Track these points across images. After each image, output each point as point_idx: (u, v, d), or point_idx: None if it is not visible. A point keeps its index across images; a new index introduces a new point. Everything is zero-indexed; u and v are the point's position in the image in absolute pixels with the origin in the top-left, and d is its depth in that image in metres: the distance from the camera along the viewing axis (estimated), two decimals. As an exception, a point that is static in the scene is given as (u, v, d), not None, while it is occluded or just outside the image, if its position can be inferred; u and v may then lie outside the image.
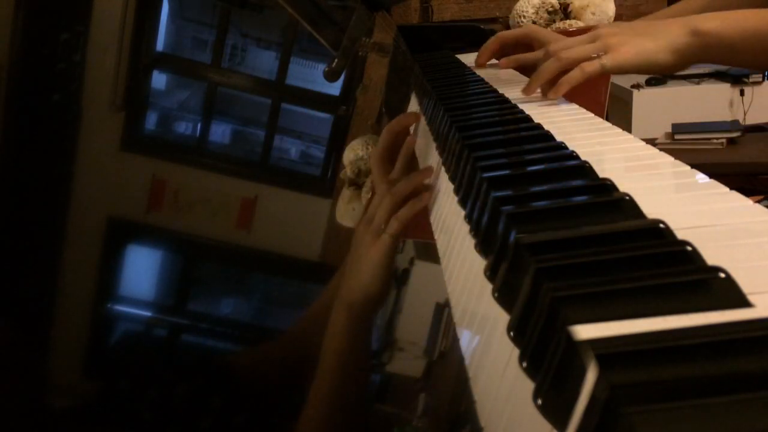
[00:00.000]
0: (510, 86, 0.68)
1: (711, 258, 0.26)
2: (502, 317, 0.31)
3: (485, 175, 0.41)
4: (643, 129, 2.55)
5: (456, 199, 0.48)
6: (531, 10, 1.27)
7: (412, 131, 0.69)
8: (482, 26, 1.15)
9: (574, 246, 0.29)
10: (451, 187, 0.51)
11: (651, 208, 0.31)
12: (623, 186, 0.34)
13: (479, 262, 0.37)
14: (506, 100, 0.63)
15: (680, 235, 0.28)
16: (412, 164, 0.64)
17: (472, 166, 0.45)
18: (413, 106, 0.92)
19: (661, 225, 0.28)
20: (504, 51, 0.85)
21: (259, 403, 0.67)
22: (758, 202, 0.32)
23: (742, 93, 2.57)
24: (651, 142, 0.44)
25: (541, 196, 0.36)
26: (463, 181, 0.47)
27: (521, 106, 0.60)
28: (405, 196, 0.56)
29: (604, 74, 0.57)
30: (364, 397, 0.60)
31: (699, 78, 2.63)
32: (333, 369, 0.56)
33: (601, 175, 0.37)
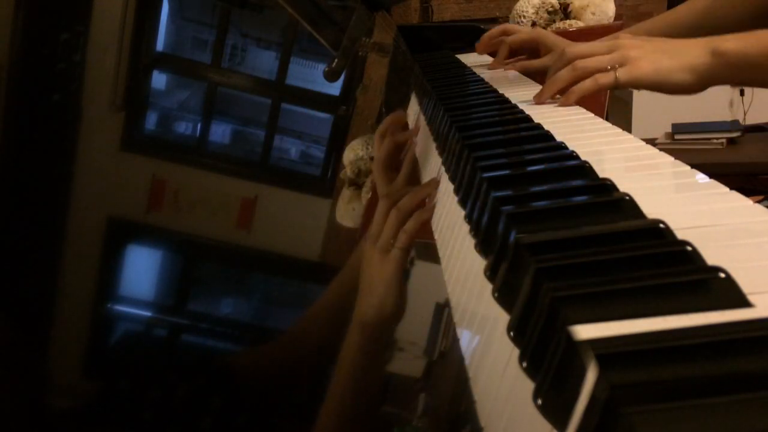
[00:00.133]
0: (510, 86, 0.68)
1: (711, 258, 0.25)
2: (502, 317, 0.31)
3: (485, 175, 0.41)
4: (643, 129, 2.55)
5: (456, 199, 0.48)
6: (531, 10, 1.27)
7: (411, 131, 0.69)
8: (482, 26, 1.15)
9: (574, 246, 0.29)
10: (451, 187, 0.51)
11: (651, 208, 0.31)
12: (623, 186, 0.34)
13: (479, 262, 0.37)
14: (506, 100, 0.63)
15: (680, 235, 0.28)
16: (414, 169, 0.63)
17: (472, 166, 0.45)
18: (413, 106, 0.92)
19: (661, 225, 0.28)
20: (510, 55, 0.85)
21: (260, 404, 0.67)
22: (758, 202, 0.32)
23: (742, 93, 2.57)
24: (651, 142, 0.44)
25: (541, 196, 0.36)
26: (463, 181, 0.47)
27: (521, 107, 0.60)
28: (411, 211, 0.56)
29: (618, 87, 0.56)
30: (376, 405, 0.59)
31: None
32: (347, 386, 0.56)
33: (601, 175, 0.37)
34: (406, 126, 0.68)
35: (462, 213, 0.45)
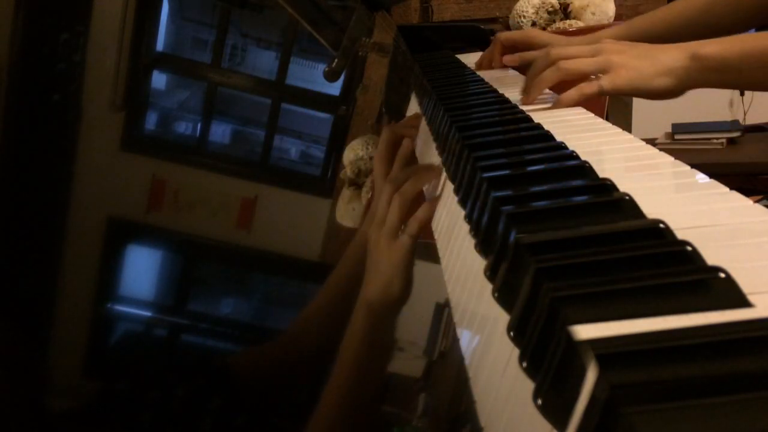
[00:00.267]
0: (510, 87, 0.68)
1: (711, 258, 0.26)
2: (502, 317, 0.31)
3: (485, 175, 0.41)
4: (643, 129, 2.55)
5: (456, 199, 0.48)
6: (531, 10, 1.27)
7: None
8: (482, 26, 1.15)
9: (574, 246, 0.29)
10: (451, 187, 0.51)
11: (651, 208, 0.31)
12: (623, 186, 0.34)
13: (479, 262, 0.37)
14: (506, 100, 0.63)
15: (680, 235, 0.28)
16: (411, 163, 0.64)
17: (472, 166, 0.45)
18: (413, 106, 0.92)
19: (661, 225, 0.28)
20: (503, 53, 0.85)
21: (259, 404, 0.67)
22: (758, 202, 0.32)
23: (742, 93, 2.57)
24: (651, 142, 0.44)
25: (541, 196, 0.36)
26: (463, 181, 0.47)
27: (521, 107, 0.60)
28: (413, 196, 0.57)
29: (601, 95, 0.57)
30: (379, 398, 0.59)
31: None
32: (350, 369, 0.56)
33: (601, 175, 0.37)
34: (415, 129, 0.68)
35: (462, 213, 0.45)
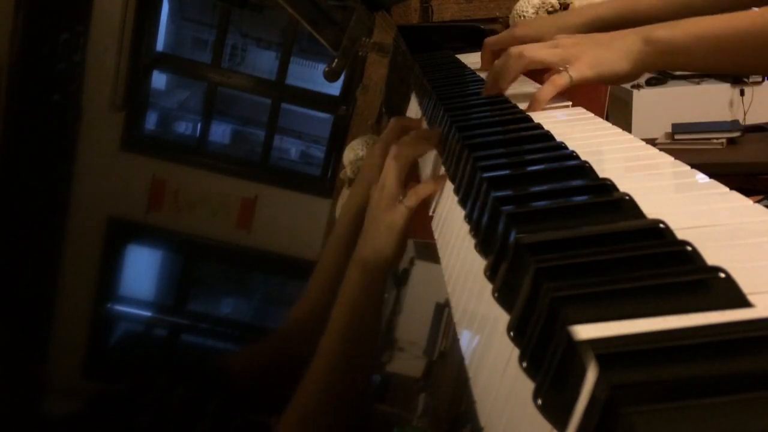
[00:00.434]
0: (510, 86, 0.68)
1: (711, 258, 0.25)
2: (502, 317, 0.31)
3: (485, 175, 0.41)
4: (643, 129, 2.55)
5: (456, 199, 0.48)
6: (531, 10, 1.27)
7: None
8: (482, 26, 1.15)
9: (574, 246, 0.29)
10: (451, 187, 0.51)
11: (651, 208, 0.31)
12: (623, 186, 0.34)
13: (479, 262, 0.37)
14: (506, 100, 0.63)
15: (680, 235, 0.28)
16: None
17: (472, 166, 0.45)
18: (413, 106, 0.92)
19: (661, 225, 0.28)
20: (494, 59, 0.85)
21: (257, 403, 0.67)
22: (758, 202, 0.32)
23: (742, 93, 2.57)
24: (651, 142, 0.44)
25: (541, 196, 0.36)
26: (463, 181, 0.47)
27: (521, 107, 0.60)
28: (411, 161, 0.59)
29: (572, 86, 0.59)
30: (372, 356, 0.61)
31: (699, 78, 2.63)
32: (344, 322, 0.58)
33: (601, 175, 0.37)
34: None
35: (462, 213, 0.45)
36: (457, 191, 0.49)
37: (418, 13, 1.27)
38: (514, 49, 0.62)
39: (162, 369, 0.69)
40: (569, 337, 0.23)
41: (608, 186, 0.35)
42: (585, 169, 0.38)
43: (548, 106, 0.60)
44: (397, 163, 0.58)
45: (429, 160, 0.65)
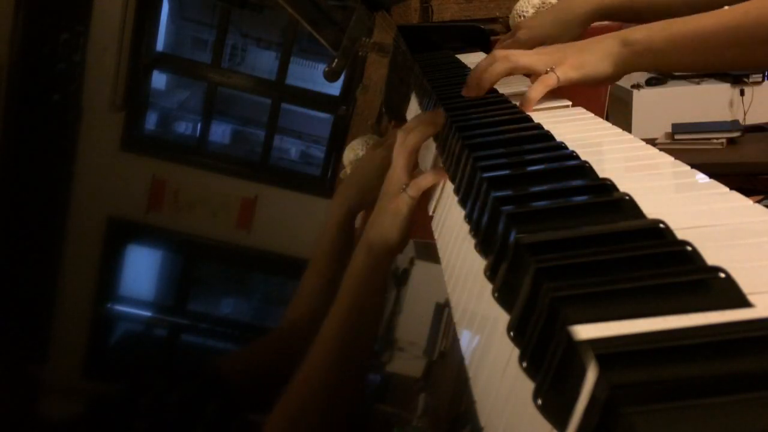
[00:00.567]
0: (510, 86, 0.68)
1: (711, 258, 0.25)
2: (502, 317, 0.31)
3: (485, 175, 0.41)
4: (643, 129, 2.55)
5: (456, 199, 0.48)
6: (531, 10, 1.27)
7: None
8: (482, 26, 1.15)
9: (574, 246, 0.29)
10: (451, 187, 0.51)
11: (651, 208, 0.31)
12: (623, 186, 0.34)
13: (479, 262, 0.37)
14: (506, 100, 0.63)
15: (680, 235, 0.28)
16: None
17: (472, 166, 0.45)
18: (413, 106, 0.92)
19: (661, 225, 0.28)
20: None
21: (254, 405, 0.67)
22: (758, 202, 0.32)
23: (742, 93, 2.57)
24: (651, 142, 0.44)
25: (541, 196, 0.36)
26: (463, 181, 0.47)
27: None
28: (418, 146, 0.61)
29: (559, 85, 0.60)
30: (373, 338, 0.63)
31: (699, 78, 2.63)
32: (348, 302, 0.60)
33: (601, 175, 0.37)
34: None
35: (462, 213, 0.45)
36: (457, 191, 0.49)
37: (418, 13, 1.27)
38: (500, 53, 0.64)
39: (159, 371, 0.69)
40: (569, 337, 0.23)
41: (608, 186, 0.35)
42: (585, 169, 0.38)
43: (548, 106, 0.60)
44: (404, 151, 0.60)
45: (429, 157, 0.65)
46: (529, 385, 0.25)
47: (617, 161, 0.43)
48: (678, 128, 2.38)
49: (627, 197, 0.32)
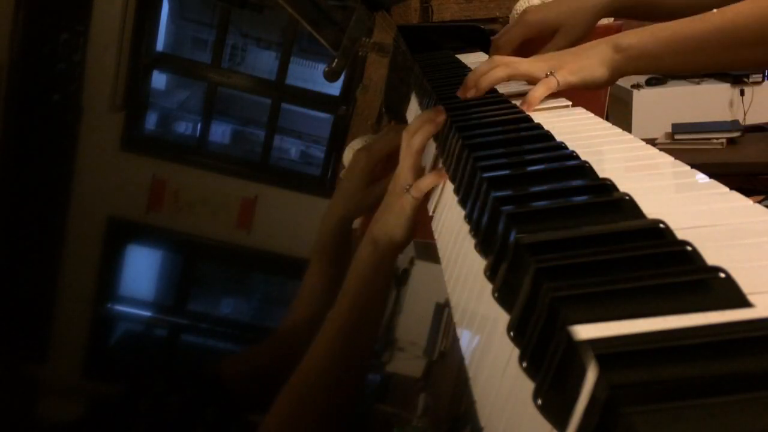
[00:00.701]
0: (510, 86, 0.68)
1: (711, 258, 0.26)
2: (502, 317, 0.31)
3: (485, 175, 0.41)
4: (643, 129, 2.55)
5: (456, 199, 0.48)
6: (531, 10, 1.27)
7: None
8: (482, 26, 1.15)
9: (574, 246, 0.29)
10: (451, 187, 0.51)
11: (651, 208, 0.31)
12: (623, 186, 0.34)
13: (479, 262, 0.37)
14: (506, 100, 0.63)
15: (680, 235, 0.28)
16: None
17: (472, 166, 0.45)
18: (413, 106, 0.92)
19: (661, 225, 0.28)
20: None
21: (253, 409, 0.67)
22: (759, 202, 0.32)
23: (742, 93, 2.57)
24: (651, 142, 0.45)
25: (541, 196, 0.36)
26: (463, 181, 0.47)
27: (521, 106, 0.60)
28: (422, 146, 0.61)
29: (558, 89, 0.62)
30: (376, 333, 0.65)
31: (699, 78, 2.63)
32: (353, 295, 0.61)
33: (601, 175, 0.37)
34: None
35: (462, 213, 0.45)
36: (457, 191, 0.49)
37: (418, 13, 1.27)
38: (501, 58, 0.65)
39: (160, 373, 0.69)
40: (569, 337, 0.23)
41: (608, 186, 0.35)
42: (585, 169, 0.38)
43: (548, 106, 0.60)
44: (410, 151, 0.61)
45: (428, 157, 0.65)
46: (529, 385, 0.25)
47: (617, 161, 0.43)
48: (678, 128, 2.38)
49: (627, 197, 0.32)
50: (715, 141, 2.27)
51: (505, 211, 0.34)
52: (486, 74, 0.63)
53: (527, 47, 0.83)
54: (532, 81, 0.62)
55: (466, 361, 0.34)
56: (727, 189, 0.34)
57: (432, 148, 0.64)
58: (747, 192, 0.33)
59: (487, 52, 1.01)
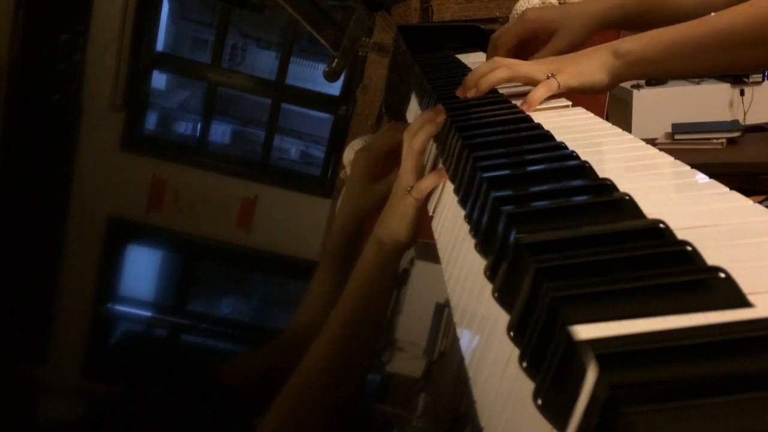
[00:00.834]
0: (510, 86, 0.68)
1: (711, 258, 0.25)
2: (502, 317, 0.31)
3: (485, 175, 0.41)
4: (643, 129, 2.55)
5: (456, 199, 0.48)
6: (531, 10, 1.27)
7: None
8: (482, 26, 1.15)
9: (574, 246, 0.29)
10: (451, 187, 0.51)
11: (651, 208, 0.31)
12: (623, 186, 0.34)
13: (479, 262, 0.37)
14: (506, 100, 0.63)
15: (680, 235, 0.28)
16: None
17: (472, 166, 0.45)
18: (413, 106, 0.92)
19: (661, 225, 0.28)
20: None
21: (254, 412, 0.67)
22: (759, 202, 0.32)
23: (742, 93, 2.57)
24: (651, 142, 0.45)
25: (541, 196, 0.36)
26: (463, 181, 0.47)
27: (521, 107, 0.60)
28: (424, 146, 0.62)
29: (559, 91, 0.62)
30: (378, 334, 0.66)
31: (699, 78, 2.63)
32: (356, 295, 0.62)
33: (601, 175, 0.37)
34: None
35: (462, 213, 0.45)
36: (457, 191, 0.49)
37: (418, 13, 1.27)
38: (501, 60, 0.65)
39: (159, 375, 0.69)
40: (569, 337, 0.23)
41: (608, 186, 0.35)
42: (585, 169, 0.38)
43: (548, 106, 0.60)
44: (411, 152, 0.62)
45: (428, 157, 0.65)
46: (529, 385, 0.25)
47: (617, 161, 0.43)
48: (678, 128, 2.38)
49: (627, 197, 0.32)
50: (715, 141, 2.27)
51: (505, 211, 0.34)
52: (487, 75, 0.63)
53: (525, 48, 0.83)
54: (533, 83, 0.62)
55: (466, 361, 0.34)
56: (727, 189, 0.34)
57: (433, 148, 0.64)
58: (747, 192, 0.33)
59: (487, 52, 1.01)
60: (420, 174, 0.61)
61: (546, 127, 0.50)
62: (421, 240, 0.62)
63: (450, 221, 0.49)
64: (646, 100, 2.64)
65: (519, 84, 0.66)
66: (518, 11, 1.09)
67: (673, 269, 0.25)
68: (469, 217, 0.43)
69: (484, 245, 0.38)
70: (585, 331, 0.22)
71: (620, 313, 0.23)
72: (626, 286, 0.24)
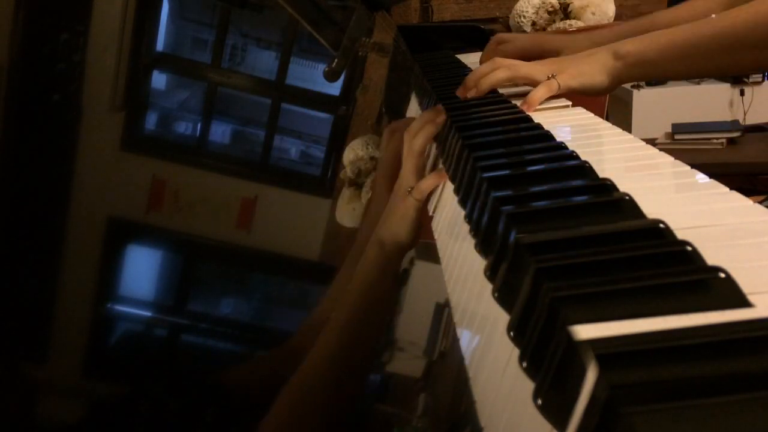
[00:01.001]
0: (510, 86, 0.68)
1: (711, 258, 0.25)
2: (502, 317, 0.31)
3: (485, 175, 0.41)
4: (643, 129, 2.55)
5: (456, 199, 0.48)
6: (531, 10, 1.27)
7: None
8: (482, 26, 1.15)
9: (574, 246, 0.29)
10: (451, 187, 0.51)
11: (651, 208, 0.31)
12: (623, 186, 0.34)
13: (479, 262, 0.37)
14: (506, 100, 0.63)
15: (680, 235, 0.28)
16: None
17: (472, 166, 0.45)
18: (413, 106, 0.92)
19: (661, 225, 0.28)
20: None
21: (255, 417, 0.67)
22: (759, 202, 0.32)
23: (742, 93, 2.57)
24: (651, 142, 0.45)
25: (541, 196, 0.36)
26: (463, 181, 0.47)
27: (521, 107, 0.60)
28: (424, 148, 0.62)
29: (560, 92, 0.62)
30: (379, 335, 0.66)
31: (699, 78, 2.63)
32: (358, 295, 0.62)
33: (601, 175, 0.37)
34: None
35: (462, 213, 0.45)
36: (457, 191, 0.49)
37: (418, 13, 1.27)
38: (502, 60, 0.65)
39: (159, 376, 0.69)
40: (569, 337, 0.23)
41: (608, 186, 0.35)
42: (585, 169, 0.38)
43: (548, 106, 0.60)
44: (411, 153, 0.62)
45: (429, 157, 0.65)
46: (529, 385, 0.25)
47: (617, 161, 0.43)
48: (678, 128, 2.38)
49: (627, 197, 0.32)
50: (715, 141, 2.27)
51: (505, 211, 0.34)
52: (487, 75, 0.63)
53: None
54: (533, 84, 0.62)
55: (466, 361, 0.34)
56: (727, 189, 0.34)
57: (433, 148, 0.64)
58: (747, 192, 0.33)
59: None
60: (420, 174, 0.61)
61: (546, 126, 0.50)
62: (422, 240, 0.62)
63: (450, 221, 0.49)
64: (646, 100, 2.64)
65: (519, 84, 0.66)
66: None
67: (673, 269, 0.25)
68: (469, 217, 0.43)
69: (484, 245, 0.38)
70: (585, 331, 0.22)
71: (620, 313, 0.23)
72: (626, 286, 0.24)
